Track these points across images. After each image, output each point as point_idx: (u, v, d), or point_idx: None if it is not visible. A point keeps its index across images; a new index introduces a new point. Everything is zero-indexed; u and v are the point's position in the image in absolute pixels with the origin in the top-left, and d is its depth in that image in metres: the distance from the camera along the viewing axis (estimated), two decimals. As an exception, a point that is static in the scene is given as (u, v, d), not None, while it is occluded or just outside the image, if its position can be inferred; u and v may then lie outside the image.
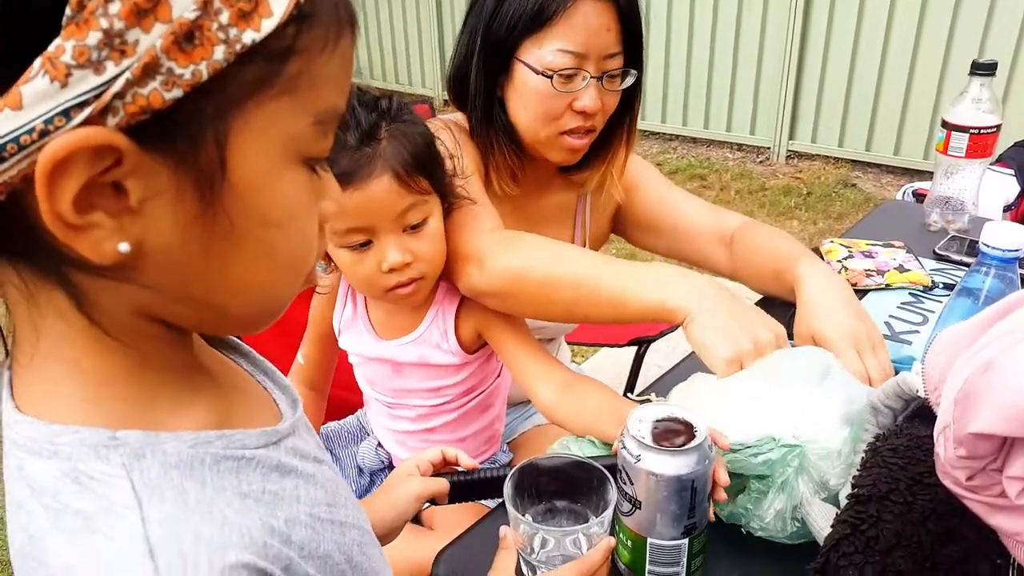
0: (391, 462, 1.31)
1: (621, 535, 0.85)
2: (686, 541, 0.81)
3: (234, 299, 0.49)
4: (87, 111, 0.38)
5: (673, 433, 0.81)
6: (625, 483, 0.81)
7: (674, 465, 0.78)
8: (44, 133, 0.38)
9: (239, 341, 0.62)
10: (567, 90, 1.17)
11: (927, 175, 4.04)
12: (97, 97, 0.38)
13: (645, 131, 5.28)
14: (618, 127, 1.29)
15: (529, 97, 1.18)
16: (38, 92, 0.38)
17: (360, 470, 1.33)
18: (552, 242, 1.12)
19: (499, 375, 1.27)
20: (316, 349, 1.31)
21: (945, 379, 0.70)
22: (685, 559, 0.82)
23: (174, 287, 0.47)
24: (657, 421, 0.82)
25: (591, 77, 1.16)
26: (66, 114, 0.38)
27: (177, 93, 0.40)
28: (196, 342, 0.56)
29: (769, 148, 4.86)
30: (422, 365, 1.17)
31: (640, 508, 0.81)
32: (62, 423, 0.46)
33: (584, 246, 1.44)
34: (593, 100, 1.17)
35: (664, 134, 5.25)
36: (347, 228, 1.01)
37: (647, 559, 0.83)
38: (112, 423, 0.47)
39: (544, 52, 1.15)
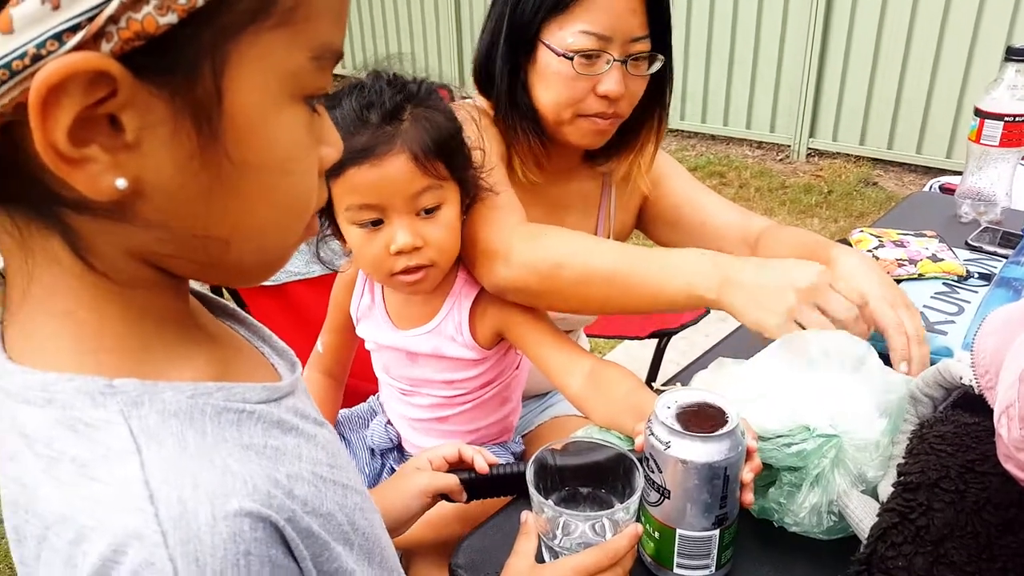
0: (400, 442, 1.29)
1: (647, 526, 0.81)
2: (717, 532, 0.78)
3: (233, 244, 0.48)
4: (80, 35, 0.37)
5: (704, 418, 0.77)
6: (653, 471, 0.78)
7: (705, 452, 0.74)
8: (36, 58, 0.37)
9: (235, 307, 0.61)
10: (590, 73, 1.14)
11: (949, 174, 3.98)
12: (90, 20, 0.37)
13: (663, 128, 5.23)
14: (647, 117, 1.27)
15: (551, 80, 1.16)
16: (29, 15, 0.36)
17: (372, 452, 1.30)
18: (579, 235, 1.09)
19: (517, 367, 1.24)
20: (335, 337, 1.29)
21: (998, 360, 0.66)
22: (715, 551, 0.79)
23: (173, 229, 0.45)
24: (687, 406, 0.79)
25: (615, 60, 1.14)
26: (58, 38, 0.37)
27: (172, 18, 0.39)
28: (192, 304, 0.54)
29: (789, 146, 4.81)
30: (436, 356, 1.15)
31: (669, 497, 0.77)
32: (57, 371, 0.45)
33: (608, 238, 1.40)
34: (617, 84, 1.14)
35: (683, 131, 5.20)
36: (360, 204, 0.99)
37: (675, 551, 0.79)
38: (108, 372, 0.45)
39: (566, 34, 1.12)
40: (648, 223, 1.45)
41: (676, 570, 0.80)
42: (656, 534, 0.80)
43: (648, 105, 1.25)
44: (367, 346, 1.23)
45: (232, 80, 0.42)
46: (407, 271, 1.03)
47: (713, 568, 0.80)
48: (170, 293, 0.50)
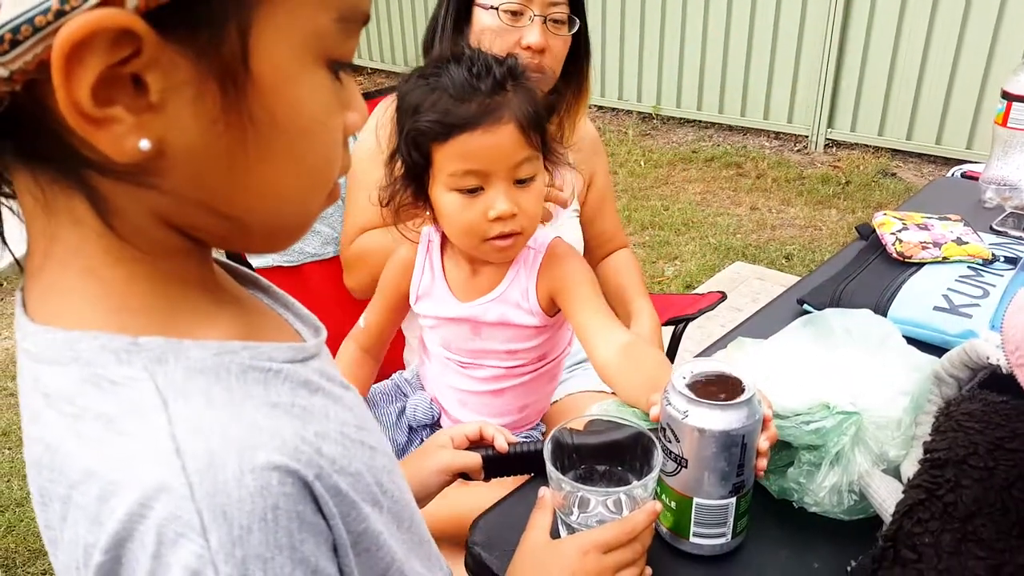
0: (438, 419, 1.30)
1: (664, 497, 0.81)
2: (733, 500, 0.78)
3: (255, 209, 0.47)
4: None
5: (721, 388, 0.78)
6: (670, 441, 0.78)
7: (724, 420, 0.75)
8: (60, 14, 0.37)
9: (257, 276, 0.60)
10: (516, 25, 1.34)
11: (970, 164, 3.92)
12: None
13: (681, 119, 5.20)
14: (570, 80, 1.48)
15: (486, 36, 1.30)
16: None
17: (410, 428, 1.31)
18: None
19: (569, 343, 1.29)
20: (381, 317, 1.29)
21: (1030, 335, 0.64)
22: (732, 519, 0.79)
23: (196, 193, 0.45)
24: (704, 376, 0.79)
25: (536, 15, 1.34)
26: None
27: None
28: (216, 271, 0.54)
29: (807, 137, 4.76)
30: (502, 324, 1.17)
31: (686, 467, 0.77)
32: (81, 330, 0.44)
33: (581, 183, 1.59)
34: (538, 36, 1.34)
35: (700, 121, 5.16)
36: (465, 170, 1.04)
37: (692, 520, 0.79)
38: (132, 331, 0.45)
39: None
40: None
41: (693, 539, 0.80)
42: (673, 504, 0.80)
43: (571, 70, 1.46)
44: (423, 322, 1.25)
45: (258, 40, 0.42)
46: (500, 236, 1.07)
47: (729, 536, 0.80)
48: (194, 259, 0.49)
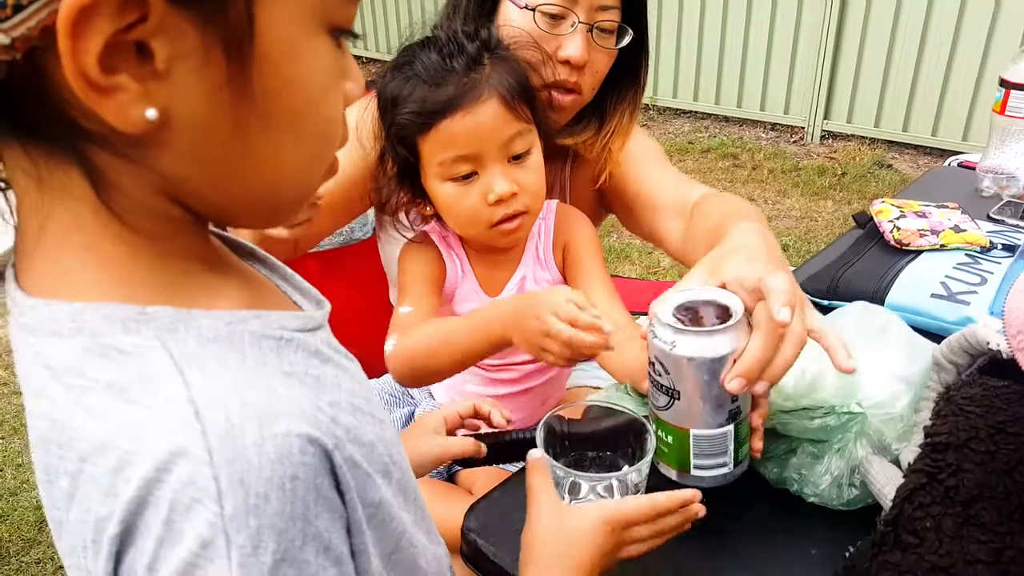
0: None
1: (660, 433, 0.79)
2: (731, 427, 0.75)
3: (257, 182, 0.46)
4: None
5: (706, 314, 0.75)
6: (660, 375, 0.75)
7: (712, 346, 0.72)
8: None
9: (254, 247, 0.59)
10: (553, 32, 1.08)
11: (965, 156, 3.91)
12: None
13: (677, 109, 5.18)
14: (622, 99, 1.21)
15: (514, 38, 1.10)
16: None
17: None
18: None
19: None
20: (427, 299, 1.12)
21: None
22: (732, 447, 0.76)
23: (197, 166, 0.44)
24: (688, 303, 0.77)
25: (580, 23, 1.08)
26: None
27: None
28: (216, 244, 0.53)
29: (803, 128, 4.75)
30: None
31: (679, 399, 0.75)
32: (84, 301, 0.43)
33: None
34: (580, 50, 1.08)
35: (696, 112, 5.14)
36: (454, 157, 0.98)
37: (692, 452, 0.77)
38: (138, 302, 0.43)
39: None
40: (609, 202, 1.34)
41: (694, 471, 0.78)
42: (670, 439, 0.77)
43: (623, 86, 1.20)
44: None
45: (263, 6, 0.41)
46: (506, 219, 1.02)
47: (732, 465, 0.78)
48: (192, 233, 0.49)
